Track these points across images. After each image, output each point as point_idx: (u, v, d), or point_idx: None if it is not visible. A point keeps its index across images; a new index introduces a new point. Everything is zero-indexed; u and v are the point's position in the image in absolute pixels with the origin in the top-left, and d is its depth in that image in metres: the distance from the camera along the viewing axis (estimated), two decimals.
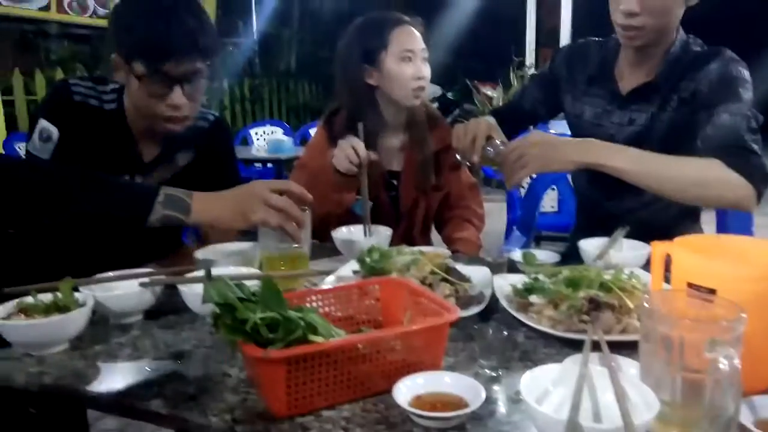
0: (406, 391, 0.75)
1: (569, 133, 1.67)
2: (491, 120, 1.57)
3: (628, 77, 1.49)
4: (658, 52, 1.43)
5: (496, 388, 0.82)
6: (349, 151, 1.46)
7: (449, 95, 8.33)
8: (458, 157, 1.49)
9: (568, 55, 1.65)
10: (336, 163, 1.49)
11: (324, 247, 1.54)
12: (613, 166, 1.23)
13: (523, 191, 2.58)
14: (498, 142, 1.38)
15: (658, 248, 0.89)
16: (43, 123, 1.39)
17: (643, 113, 1.46)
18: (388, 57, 1.65)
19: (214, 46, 1.36)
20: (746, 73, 1.36)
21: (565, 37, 7.14)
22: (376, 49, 1.65)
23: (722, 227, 1.80)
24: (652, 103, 1.44)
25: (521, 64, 7.15)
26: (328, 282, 1.16)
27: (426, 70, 1.68)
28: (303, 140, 4.99)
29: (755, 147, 1.25)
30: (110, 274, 1.14)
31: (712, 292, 0.76)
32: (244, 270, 1.16)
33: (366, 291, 0.98)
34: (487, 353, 0.93)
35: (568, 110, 1.62)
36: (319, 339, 0.76)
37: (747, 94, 1.32)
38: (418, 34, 1.68)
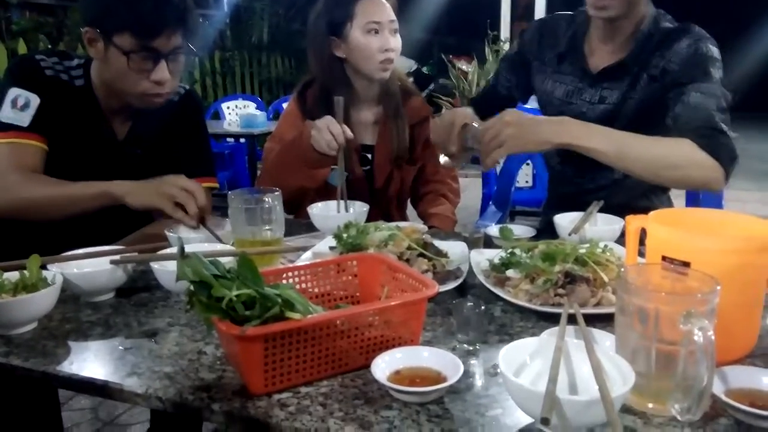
0: (384, 366, 0.75)
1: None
2: (468, 110, 1.56)
3: (599, 54, 1.48)
4: (628, 26, 1.42)
5: (473, 362, 0.83)
6: (328, 136, 1.43)
7: (424, 70, 8.27)
8: (442, 157, 1.44)
9: (537, 32, 1.62)
10: (315, 143, 1.46)
11: (300, 223, 1.52)
12: (588, 147, 1.21)
13: (498, 167, 2.59)
14: (475, 124, 1.35)
15: (633, 222, 0.90)
16: (17, 91, 1.34)
17: (615, 91, 1.45)
18: (353, 29, 1.62)
19: (197, 21, 1.35)
20: (716, 51, 1.36)
21: (539, 12, 7.12)
22: (343, 21, 1.63)
23: (693, 201, 1.83)
24: (623, 81, 1.44)
25: (496, 39, 7.12)
26: (305, 258, 1.15)
27: (394, 42, 1.65)
28: (276, 115, 4.91)
29: (725, 127, 1.25)
30: (79, 251, 1.11)
31: (687, 265, 0.77)
32: (218, 247, 1.14)
33: (343, 267, 0.97)
34: (464, 327, 0.93)
35: (539, 88, 1.61)
36: (296, 316, 0.75)
37: (717, 72, 1.33)
38: (386, 4, 1.65)
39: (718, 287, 0.67)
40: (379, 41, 1.62)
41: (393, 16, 1.65)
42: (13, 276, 0.98)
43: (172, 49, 1.31)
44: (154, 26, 1.26)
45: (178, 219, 1.25)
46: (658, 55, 1.39)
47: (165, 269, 1.03)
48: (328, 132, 1.43)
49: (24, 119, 1.33)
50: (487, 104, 1.68)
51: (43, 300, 0.94)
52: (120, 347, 0.89)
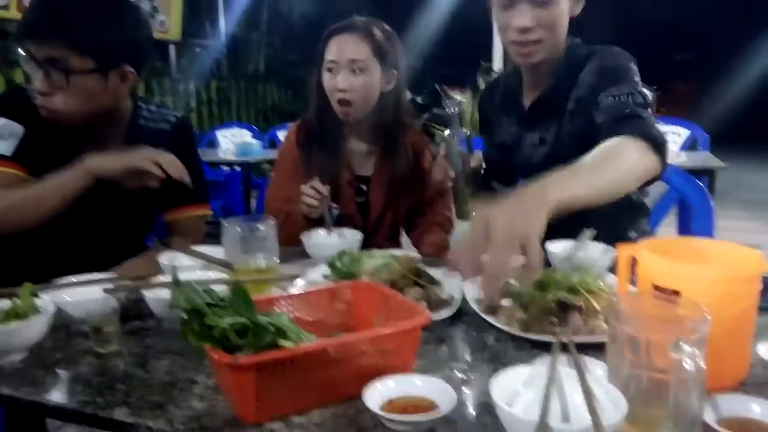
0: (377, 395, 0.75)
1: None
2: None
3: (529, 98, 1.52)
4: (551, 66, 1.45)
5: (466, 390, 0.83)
6: (309, 200, 1.53)
7: (418, 100, 8.36)
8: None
9: (482, 98, 1.74)
10: (305, 211, 1.55)
11: (293, 250, 1.52)
12: (572, 195, 0.92)
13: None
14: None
15: (624, 251, 0.91)
16: (1, 120, 1.35)
17: (549, 131, 1.47)
18: (323, 66, 1.67)
19: (101, 40, 1.30)
20: (623, 59, 1.37)
21: None
22: (321, 60, 1.68)
23: (685, 230, 1.84)
24: (552, 117, 1.45)
25: (489, 69, 7.22)
26: (298, 286, 1.15)
27: (349, 82, 1.63)
28: (271, 143, 4.94)
29: (644, 113, 1.23)
30: (72, 278, 1.11)
31: (677, 293, 0.77)
32: (211, 275, 1.14)
33: (337, 295, 0.97)
34: (457, 356, 0.93)
35: (493, 143, 1.64)
36: (289, 344, 0.75)
37: (628, 77, 1.33)
38: (352, 43, 1.64)
39: (708, 316, 0.68)
40: (333, 81, 1.64)
41: (355, 55, 1.63)
42: (4, 304, 0.97)
43: (47, 59, 1.26)
44: (26, 28, 1.28)
45: (150, 169, 1.27)
46: (573, 85, 1.41)
47: (157, 297, 1.03)
48: (308, 198, 1.53)
49: (7, 149, 1.34)
50: (495, 170, 1.65)
51: (34, 328, 0.94)
52: (110, 376, 0.89)
